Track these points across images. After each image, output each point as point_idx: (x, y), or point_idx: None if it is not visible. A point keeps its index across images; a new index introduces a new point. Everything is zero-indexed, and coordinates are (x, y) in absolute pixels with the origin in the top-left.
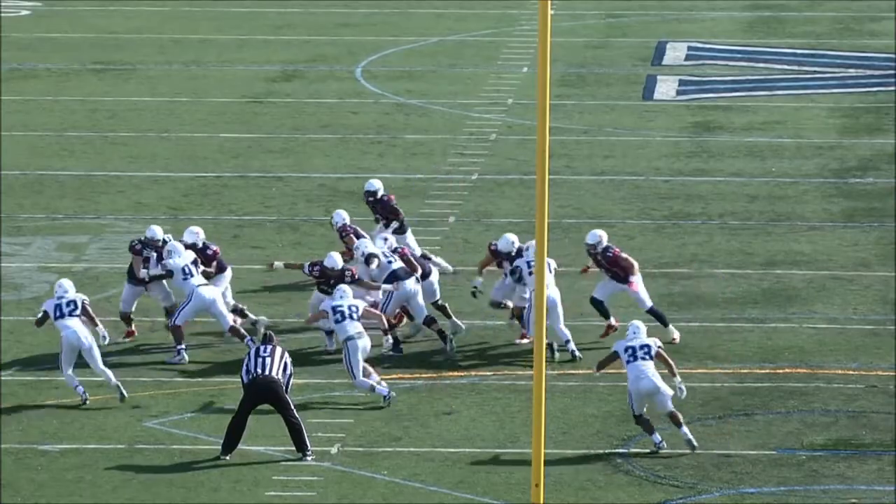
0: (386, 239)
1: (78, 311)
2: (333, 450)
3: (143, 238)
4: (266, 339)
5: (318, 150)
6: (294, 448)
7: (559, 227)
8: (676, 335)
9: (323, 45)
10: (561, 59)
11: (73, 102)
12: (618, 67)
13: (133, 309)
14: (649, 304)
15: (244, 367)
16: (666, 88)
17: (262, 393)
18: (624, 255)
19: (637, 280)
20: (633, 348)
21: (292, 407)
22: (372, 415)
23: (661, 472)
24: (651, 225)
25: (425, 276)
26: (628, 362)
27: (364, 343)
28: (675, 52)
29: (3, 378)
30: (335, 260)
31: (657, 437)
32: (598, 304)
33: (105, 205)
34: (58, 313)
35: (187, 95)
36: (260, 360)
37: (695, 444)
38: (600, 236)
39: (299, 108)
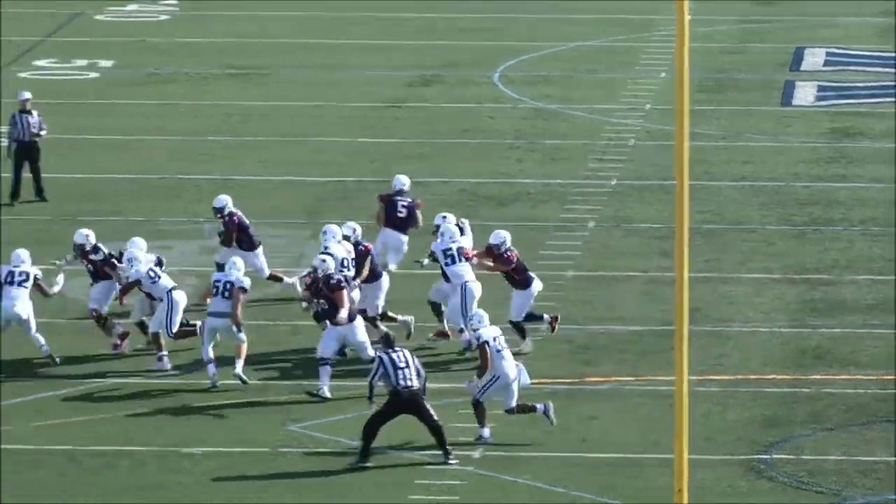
0: (355, 230)
1: (28, 283)
2: (476, 454)
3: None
4: (388, 342)
5: (457, 155)
6: (440, 452)
7: (699, 232)
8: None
9: (461, 49)
10: (698, 64)
11: (209, 107)
12: (756, 73)
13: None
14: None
15: (378, 374)
16: (805, 94)
17: (406, 405)
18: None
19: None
20: (498, 338)
21: (432, 411)
22: (514, 419)
23: (804, 478)
24: (791, 231)
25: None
26: (498, 351)
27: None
28: (814, 58)
29: (150, 382)
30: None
31: (486, 431)
32: (516, 325)
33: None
34: (8, 279)
35: (324, 100)
36: (400, 371)
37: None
38: (504, 237)
39: (438, 113)
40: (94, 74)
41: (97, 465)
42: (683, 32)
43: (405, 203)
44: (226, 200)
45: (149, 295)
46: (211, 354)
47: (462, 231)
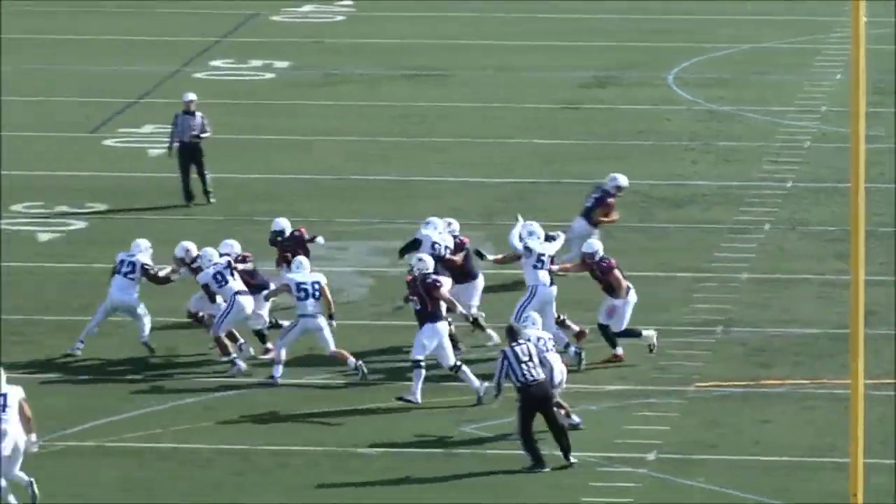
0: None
1: (135, 275)
2: (650, 456)
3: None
4: (512, 335)
5: (632, 157)
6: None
7: (874, 235)
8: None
9: (636, 51)
10: (874, 66)
11: (385, 108)
12: None
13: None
14: (622, 326)
15: (504, 371)
16: None
17: (537, 400)
18: (617, 272)
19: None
20: (542, 339)
21: (555, 410)
22: (688, 421)
23: None
24: None
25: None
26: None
27: None
28: None
29: (323, 382)
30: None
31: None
32: (604, 329)
33: (420, 210)
34: (119, 268)
35: (500, 101)
36: (523, 365)
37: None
38: (597, 247)
39: (613, 115)
40: (269, 75)
41: (271, 465)
42: (859, 34)
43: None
44: (283, 224)
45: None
46: (284, 356)
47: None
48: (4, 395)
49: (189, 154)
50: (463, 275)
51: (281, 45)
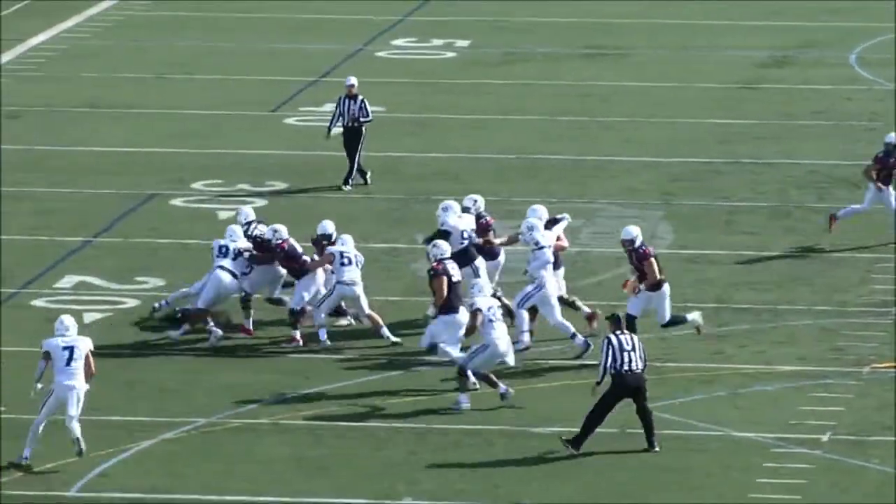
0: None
1: (226, 261)
2: (824, 438)
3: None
4: (617, 323)
5: (810, 137)
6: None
7: None
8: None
9: (814, 31)
10: None
11: (566, 87)
12: None
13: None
14: (666, 317)
15: (608, 358)
16: None
17: (631, 389)
18: (654, 261)
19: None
20: (492, 308)
21: (646, 396)
22: (863, 403)
23: None
24: None
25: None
26: (490, 321)
27: None
28: None
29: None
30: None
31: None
32: (630, 321)
33: (596, 189)
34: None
35: (677, 80)
36: (626, 354)
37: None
38: (635, 233)
39: (791, 95)
40: (450, 54)
41: (445, 444)
42: None
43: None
44: (330, 229)
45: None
46: (324, 320)
47: (469, 211)
48: (72, 348)
49: (349, 137)
50: (485, 255)
51: (462, 25)
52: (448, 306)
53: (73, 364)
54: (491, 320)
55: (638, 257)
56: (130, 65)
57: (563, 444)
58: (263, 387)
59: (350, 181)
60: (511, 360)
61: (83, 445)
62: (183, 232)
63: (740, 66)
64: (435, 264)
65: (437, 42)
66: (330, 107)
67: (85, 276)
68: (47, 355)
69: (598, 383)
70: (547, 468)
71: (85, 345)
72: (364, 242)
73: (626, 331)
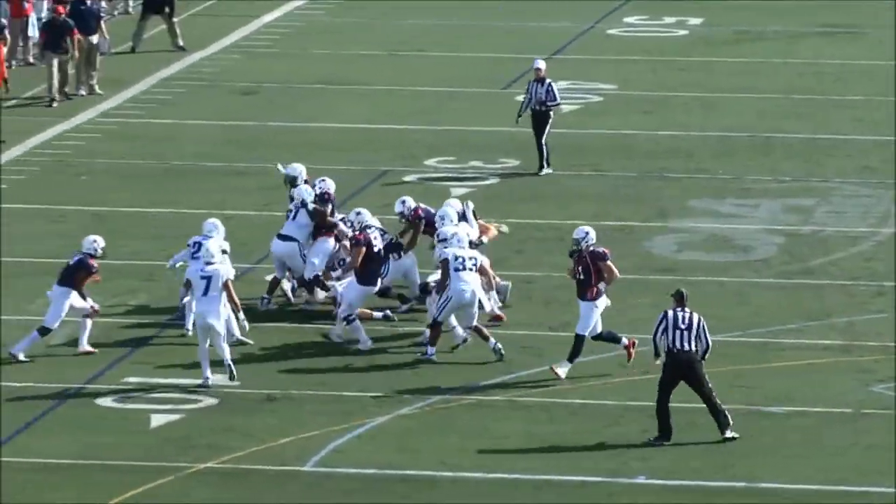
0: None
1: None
2: None
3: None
4: (681, 299)
5: None
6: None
7: None
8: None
9: None
10: None
11: (800, 65)
12: None
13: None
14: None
15: (657, 332)
16: None
17: (682, 370)
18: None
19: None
20: (463, 258)
21: (707, 381)
22: None
23: None
24: None
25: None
26: (456, 270)
27: None
28: None
29: (728, 340)
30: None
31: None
32: (600, 337)
33: (831, 168)
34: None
35: None
36: (678, 332)
37: (502, 352)
38: (587, 231)
39: None
40: (682, 32)
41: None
42: None
43: None
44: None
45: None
46: None
47: (464, 216)
48: (209, 277)
49: (538, 122)
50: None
51: (694, 3)
52: (365, 277)
53: (210, 293)
54: (457, 269)
55: (593, 257)
56: (362, 42)
57: (655, 443)
58: (496, 364)
59: (547, 164)
60: (482, 306)
61: (234, 371)
62: None
63: None
64: (357, 234)
65: (668, 20)
66: (563, 84)
67: None
68: (188, 283)
69: (657, 355)
70: (782, 448)
71: (224, 273)
72: (596, 220)
73: (686, 308)
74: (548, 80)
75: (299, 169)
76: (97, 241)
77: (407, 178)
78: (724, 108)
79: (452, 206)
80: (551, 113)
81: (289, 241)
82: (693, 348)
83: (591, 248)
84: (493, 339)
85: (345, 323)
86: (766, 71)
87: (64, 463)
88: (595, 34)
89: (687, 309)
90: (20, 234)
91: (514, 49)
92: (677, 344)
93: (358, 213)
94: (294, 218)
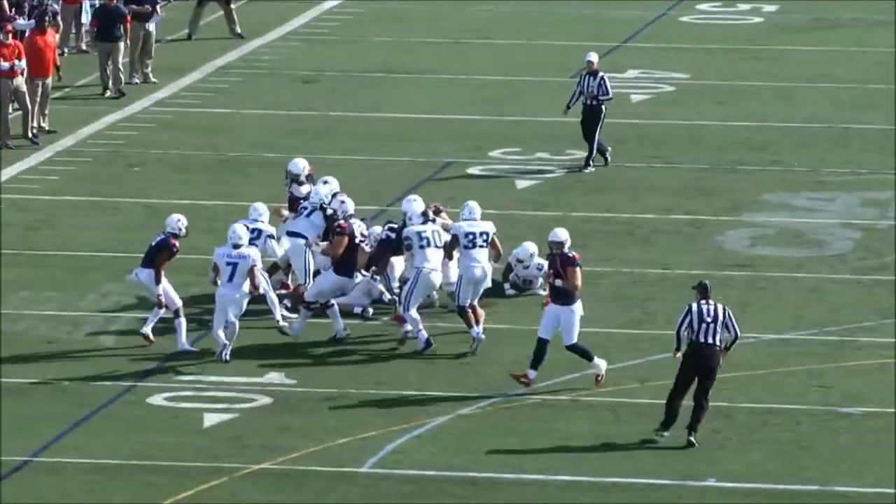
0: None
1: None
2: None
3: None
4: (704, 291)
5: None
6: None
7: None
8: (601, 369)
9: None
10: None
11: (875, 54)
12: None
13: None
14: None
15: (682, 326)
16: None
17: (703, 364)
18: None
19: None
20: (474, 234)
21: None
22: None
23: None
24: None
25: None
26: (466, 248)
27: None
28: None
29: (802, 338)
30: None
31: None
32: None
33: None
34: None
35: None
36: (705, 325)
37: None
38: (564, 237)
39: None
40: (757, 19)
41: (753, 423)
42: None
43: None
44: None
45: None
46: None
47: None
48: (235, 264)
49: (589, 116)
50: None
51: None
52: (344, 267)
53: (235, 279)
54: (466, 247)
55: (563, 262)
56: (425, 29)
57: (656, 434)
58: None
59: (591, 162)
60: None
61: (227, 356)
62: (480, 202)
63: None
64: (342, 223)
65: (743, 7)
66: (633, 73)
67: None
68: (215, 267)
69: (677, 349)
70: (857, 450)
71: (252, 259)
72: (666, 214)
73: (710, 300)
74: (600, 74)
75: (301, 165)
76: (181, 221)
77: (471, 170)
78: (799, 98)
79: (417, 202)
80: (604, 108)
81: (297, 238)
82: (718, 342)
83: (564, 253)
84: (477, 329)
85: (307, 312)
86: (843, 60)
87: (114, 463)
88: (667, 21)
89: (711, 301)
90: (72, 227)
91: (582, 37)
92: (702, 337)
93: (342, 203)
94: (308, 216)
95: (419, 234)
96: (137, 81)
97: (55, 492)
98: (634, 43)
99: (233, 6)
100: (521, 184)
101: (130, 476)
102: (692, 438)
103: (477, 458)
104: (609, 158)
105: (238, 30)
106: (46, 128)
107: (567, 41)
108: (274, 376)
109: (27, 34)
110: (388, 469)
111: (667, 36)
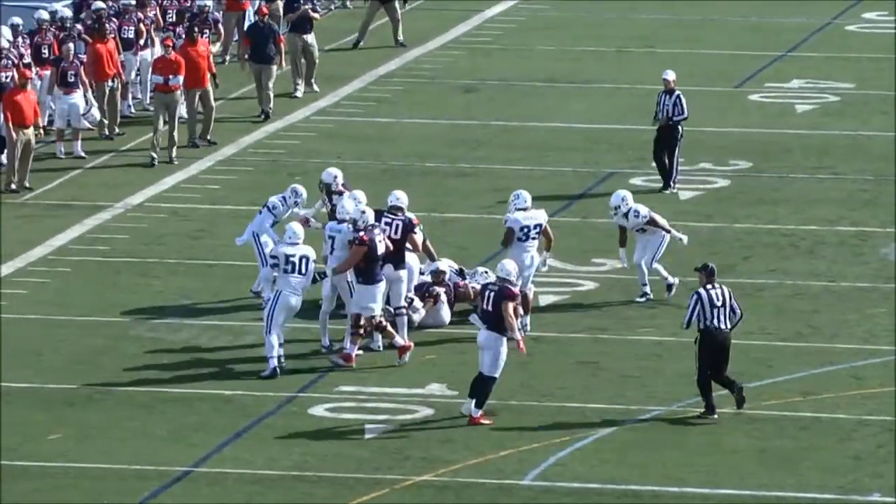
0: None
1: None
2: None
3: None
4: (710, 275)
5: None
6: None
7: None
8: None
9: None
10: None
11: None
12: None
13: None
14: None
15: (693, 314)
16: None
17: (719, 347)
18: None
19: None
20: (528, 228)
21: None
22: None
23: None
24: None
25: None
26: (519, 240)
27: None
28: None
29: None
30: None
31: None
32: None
33: None
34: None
35: None
36: (715, 310)
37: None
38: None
39: None
40: None
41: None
42: None
43: None
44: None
45: None
46: None
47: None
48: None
49: (663, 136)
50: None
51: None
52: (369, 276)
53: (294, 276)
54: (520, 240)
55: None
56: (589, 38)
57: (707, 417)
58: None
59: (672, 183)
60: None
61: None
62: None
63: None
64: (362, 234)
65: None
66: (797, 83)
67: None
68: (275, 263)
69: (687, 327)
70: None
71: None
72: (830, 225)
73: (716, 284)
74: (677, 92)
75: (333, 174)
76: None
77: (633, 181)
78: None
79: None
80: (680, 128)
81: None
82: (727, 326)
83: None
84: (525, 319)
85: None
86: None
87: (275, 474)
88: (832, 30)
89: (717, 284)
90: (233, 236)
91: (747, 46)
92: (715, 322)
93: (363, 213)
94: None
95: (521, 227)
96: (299, 95)
97: (215, 502)
98: (799, 52)
99: (400, 12)
100: (685, 195)
101: (291, 487)
102: (713, 415)
103: (639, 472)
104: (674, 186)
105: (401, 38)
106: (209, 139)
107: (732, 50)
108: (435, 387)
109: (179, 46)
110: (550, 482)
111: (832, 45)
